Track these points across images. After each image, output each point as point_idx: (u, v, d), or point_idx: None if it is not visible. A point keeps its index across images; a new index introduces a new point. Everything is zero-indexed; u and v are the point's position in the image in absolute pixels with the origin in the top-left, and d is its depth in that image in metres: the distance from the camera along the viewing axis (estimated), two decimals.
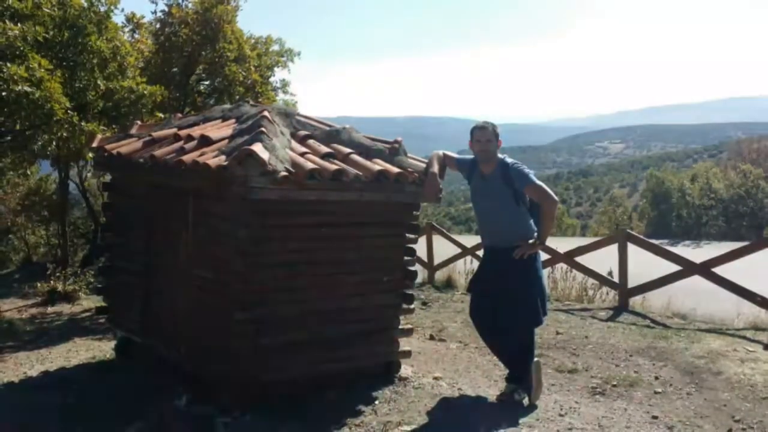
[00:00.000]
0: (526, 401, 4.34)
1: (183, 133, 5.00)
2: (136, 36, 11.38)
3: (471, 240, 11.00)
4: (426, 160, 4.67)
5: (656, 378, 5.04)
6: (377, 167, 4.42)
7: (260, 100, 11.25)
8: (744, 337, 6.25)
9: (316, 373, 4.54)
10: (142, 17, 11.08)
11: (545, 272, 6.35)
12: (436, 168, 4.44)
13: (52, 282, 10.69)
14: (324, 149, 4.53)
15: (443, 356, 5.81)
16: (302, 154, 4.34)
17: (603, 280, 8.38)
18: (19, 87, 7.32)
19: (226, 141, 4.49)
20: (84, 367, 5.80)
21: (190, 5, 11.58)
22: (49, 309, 9.86)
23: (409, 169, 4.60)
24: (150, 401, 4.41)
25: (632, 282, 7.88)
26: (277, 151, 4.18)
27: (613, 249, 8.08)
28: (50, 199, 16.98)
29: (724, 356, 5.54)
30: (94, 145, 5.73)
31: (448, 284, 10.16)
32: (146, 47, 11.46)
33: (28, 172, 14.82)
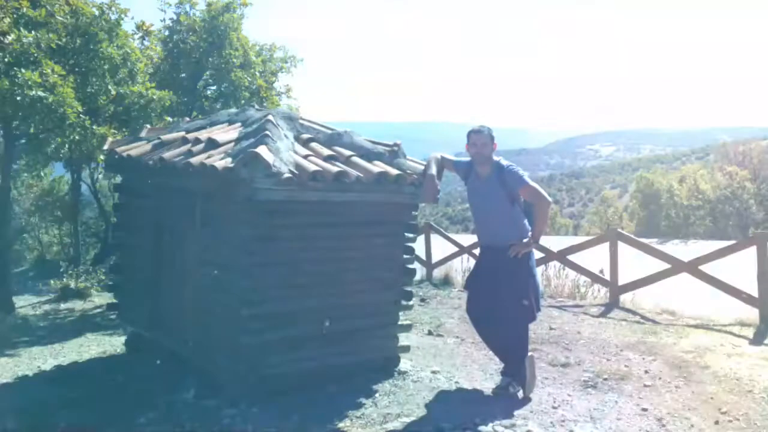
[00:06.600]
0: (520, 394, 4.41)
1: (191, 136, 5.09)
2: (146, 43, 11.48)
3: (468, 239, 10.95)
4: (424, 163, 4.71)
5: (646, 372, 5.07)
6: (377, 169, 4.49)
7: (265, 104, 11.37)
8: (730, 333, 6.31)
9: (319, 367, 4.61)
10: (152, 25, 11.23)
11: (539, 270, 6.44)
12: (434, 170, 4.49)
13: (64, 279, 10.86)
14: (326, 152, 4.60)
15: (441, 351, 5.86)
16: (305, 157, 4.41)
17: (594, 278, 8.44)
18: (33, 92, 7.42)
19: (233, 144, 4.57)
20: (95, 361, 5.91)
21: (197, 13, 11.66)
22: (62, 305, 9.94)
23: (408, 171, 4.67)
24: (159, 394, 4.49)
25: (623, 279, 7.94)
26: (282, 153, 4.25)
27: (604, 248, 8.14)
28: (63, 199, 17.23)
29: (711, 351, 5.60)
30: (106, 147, 5.84)
31: (446, 281, 10.16)
32: (155, 54, 11.56)
33: (42, 174, 15.15)
